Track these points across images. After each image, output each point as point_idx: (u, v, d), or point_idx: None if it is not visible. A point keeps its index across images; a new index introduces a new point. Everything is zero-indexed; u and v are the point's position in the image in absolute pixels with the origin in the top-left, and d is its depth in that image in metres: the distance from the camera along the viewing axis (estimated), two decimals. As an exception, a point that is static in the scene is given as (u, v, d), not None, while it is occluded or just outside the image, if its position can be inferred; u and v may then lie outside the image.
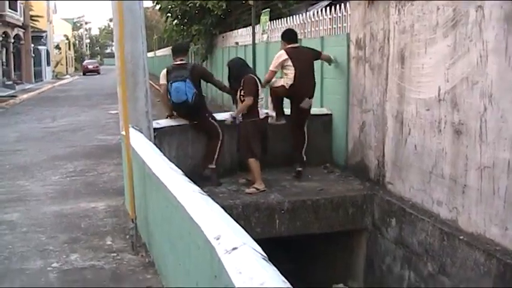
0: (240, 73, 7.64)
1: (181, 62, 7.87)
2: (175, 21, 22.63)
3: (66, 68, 69.15)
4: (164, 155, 7.54)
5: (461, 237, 5.67)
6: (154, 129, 7.32)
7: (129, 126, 6.50)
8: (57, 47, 65.38)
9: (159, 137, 7.48)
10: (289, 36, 8.24)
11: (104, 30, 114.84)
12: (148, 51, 57.38)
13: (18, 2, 38.43)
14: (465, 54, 5.68)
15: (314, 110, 9.09)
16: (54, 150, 11.69)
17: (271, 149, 8.04)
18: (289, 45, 8.09)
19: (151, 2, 24.71)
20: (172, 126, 7.90)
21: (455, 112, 5.86)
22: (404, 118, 6.90)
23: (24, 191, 8.16)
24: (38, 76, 46.23)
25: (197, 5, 18.72)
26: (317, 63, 9.13)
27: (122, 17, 5.64)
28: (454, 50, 5.85)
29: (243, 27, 16.69)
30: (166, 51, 37.27)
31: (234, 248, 2.50)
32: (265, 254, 2.49)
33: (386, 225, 7.11)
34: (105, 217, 6.71)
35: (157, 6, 23.71)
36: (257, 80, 7.61)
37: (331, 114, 9.03)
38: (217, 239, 2.68)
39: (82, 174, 9.27)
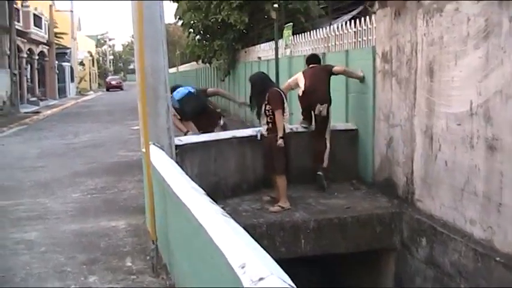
0: (264, 87, 7.46)
1: None
2: (198, 36, 22.60)
3: (90, 84, 69.74)
4: (186, 172, 7.46)
5: (498, 258, 5.39)
6: (176, 146, 7.15)
7: (150, 143, 6.37)
8: (81, 63, 66.03)
9: (181, 154, 7.31)
10: (309, 59, 8.97)
11: (127, 47, 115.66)
12: (171, 66, 57.76)
13: (43, 19, 38.88)
14: (498, 66, 5.43)
15: (339, 125, 8.94)
16: (75, 167, 11.59)
17: (297, 164, 7.87)
18: (308, 67, 8.75)
19: (173, 17, 24.64)
20: (194, 143, 7.73)
21: (489, 127, 5.60)
22: (434, 133, 6.65)
23: (44, 208, 8.04)
24: (62, 92, 46.63)
25: (219, 19, 18.63)
26: (341, 79, 8.97)
27: (141, 27, 5.50)
28: (487, 62, 5.60)
29: (266, 41, 16.56)
30: (188, 66, 37.39)
31: (261, 279, 2.29)
32: (294, 285, 2.28)
33: (416, 244, 6.84)
34: (125, 236, 6.54)
35: (180, 22, 23.67)
36: (282, 93, 7.45)
37: (356, 130, 8.81)
38: (243, 267, 2.48)
39: (102, 191, 9.14)
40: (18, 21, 31.62)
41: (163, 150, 6.71)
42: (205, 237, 3.29)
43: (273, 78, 13.58)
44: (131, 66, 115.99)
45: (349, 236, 7.12)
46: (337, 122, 9.28)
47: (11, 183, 9.96)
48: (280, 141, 7.23)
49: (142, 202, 7.26)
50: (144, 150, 6.29)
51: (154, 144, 6.68)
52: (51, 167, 11.73)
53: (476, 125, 5.81)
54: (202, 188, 7.16)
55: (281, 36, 13.83)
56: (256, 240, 6.65)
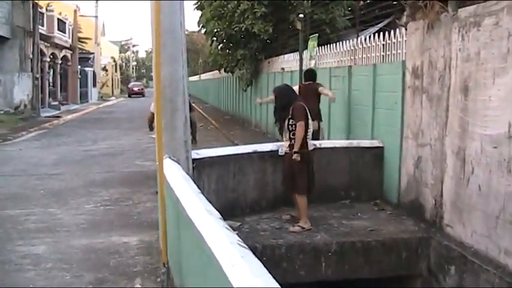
0: (289, 101, 7.12)
1: None
2: (221, 45, 22.33)
3: (112, 90, 69.96)
4: (203, 188, 7.15)
5: (536, 294, 4.97)
6: (193, 159, 6.84)
7: (166, 157, 6.07)
8: (104, 68, 66.30)
9: (198, 169, 7.00)
10: (305, 74, 10.41)
11: (151, 53, 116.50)
12: (194, 74, 57.82)
13: (67, 24, 38.99)
14: (542, 87, 5.03)
15: (364, 142, 8.61)
16: (91, 176, 11.37)
17: (318, 182, 7.50)
18: (305, 83, 10.03)
19: (197, 25, 24.45)
20: (212, 157, 7.40)
21: (529, 151, 5.20)
22: (467, 155, 6.24)
23: (55, 220, 7.79)
24: (84, 97, 46.70)
25: (243, 29, 18.29)
26: (369, 93, 8.73)
27: (158, 35, 5.21)
28: (529, 82, 5.21)
29: (290, 52, 16.20)
30: (210, 75, 37.24)
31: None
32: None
33: (444, 272, 6.43)
34: (137, 254, 6.23)
35: (203, 30, 23.42)
36: (307, 109, 7.10)
37: (382, 147, 8.44)
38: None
39: (117, 203, 8.88)
40: (42, 25, 31.66)
41: (179, 164, 6.40)
42: (219, 272, 2.95)
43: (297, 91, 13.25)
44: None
45: (372, 260, 6.73)
46: (363, 138, 8.94)
47: (24, 191, 9.74)
48: (295, 156, 6.90)
49: (157, 216, 6.94)
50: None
51: (170, 157, 6.38)
52: (66, 175, 11.53)
53: (515, 149, 5.41)
54: (219, 204, 6.89)
55: (306, 47, 13.49)
56: (274, 262, 6.30)
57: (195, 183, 6.37)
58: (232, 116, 26.50)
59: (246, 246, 3.34)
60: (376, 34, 9.36)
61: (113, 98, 61.21)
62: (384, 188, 8.41)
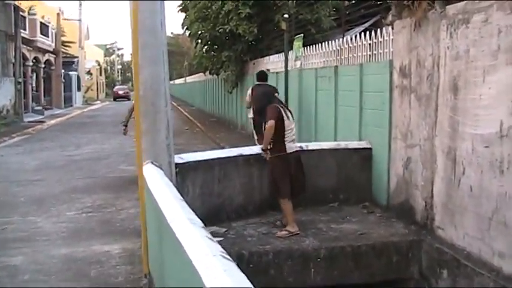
0: (265, 104, 7.08)
1: None
2: (205, 47, 22.08)
3: (97, 94, 69.46)
4: (187, 193, 6.95)
5: (532, 299, 4.82)
6: (177, 164, 6.63)
7: (147, 162, 5.87)
8: (89, 72, 65.83)
9: (182, 174, 6.81)
10: (257, 76, 11.65)
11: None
12: (180, 77, 57.52)
13: (50, 27, 38.59)
14: (534, 84, 4.88)
15: (352, 144, 8.46)
16: (73, 181, 11.14)
17: (308, 186, 7.35)
18: (257, 84, 11.13)
19: (181, 28, 24.23)
20: (195, 161, 7.19)
21: (522, 151, 5.05)
22: (458, 155, 6.09)
23: (35, 228, 7.55)
24: (68, 101, 46.26)
25: (227, 30, 18.07)
26: (355, 93, 8.60)
27: (136, 36, 5.00)
28: (521, 79, 5.05)
29: (275, 53, 16.01)
30: (197, 77, 36.91)
31: None
32: None
33: (436, 276, 6.27)
34: (119, 264, 6.02)
35: (187, 32, 23.16)
36: (281, 109, 6.94)
37: (371, 149, 8.28)
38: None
39: (99, 209, 8.65)
40: (25, 29, 31.27)
41: (161, 169, 6.18)
42: (200, 284, 2.75)
43: (282, 92, 13.07)
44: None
45: (363, 265, 6.54)
46: (350, 140, 8.77)
47: (4, 199, 9.51)
48: (263, 153, 6.99)
49: (140, 223, 6.74)
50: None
51: (152, 163, 6.16)
52: (48, 180, 11.28)
53: (508, 148, 5.25)
54: (204, 210, 6.69)
55: (291, 48, 13.31)
56: (262, 269, 6.09)
57: (177, 189, 6.19)
58: (218, 118, 26.27)
59: (230, 258, 3.14)
60: (363, 33, 9.20)
61: (98, 102, 60.77)
62: (373, 190, 8.24)
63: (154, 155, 6.25)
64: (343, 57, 9.92)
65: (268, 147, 6.91)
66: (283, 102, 8.65)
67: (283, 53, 13.46)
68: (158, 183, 5.21)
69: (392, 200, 7.74)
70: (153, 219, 4.83)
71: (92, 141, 19.27)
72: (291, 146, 6.98)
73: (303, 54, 12.39)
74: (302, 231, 6.90)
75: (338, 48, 10.20)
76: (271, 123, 6.76)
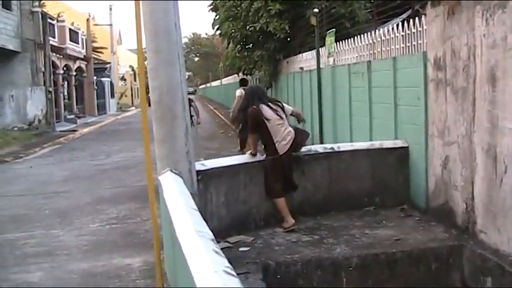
0: (246, 105, 7.26)
1: None
2: (237, 47, 22.03)
3: (132, 100, 70.14)
4: (211, 201, 6.87)
5: None
6: (199, 171, 6.55)
7: (166, 170, 5.84)
8: (122, 78, 66.59)
9: (205, 181, 6.72)
10: (240, 82, 15.80)
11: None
12: (216, 79, 57.77)
13: (80, 34, 39.17)
14: None
15: (387, 143, 8.26)
16: (100, 192, 11.20)
17: (339, 189, 7.36)
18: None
19: (212, 28, 24.27)
20: (219, 167, 7.08)
21: None
22: (499, 152, 5.83)
23: (56, 242, 7.58)
24: (102, 109, 46.91)
25: (258, 28, 17.99)
26: (389, 89, 8.41)
27: (140, 36, 4.93)
28: (563, 67, 4.79)
29: (308, 50, 15.83)
30: (232, 78, 36.92)
31: None
32: None
33: (479, 285, 6.01)
34: (138, 277, 5.96)
35: (218, 32, 23.16)
36: (260, 112, 7.06)
37: (407, 147, 8.04)
38: None
39: (124, 220, 8.65)
40: (54, 37, 31.82)
41: (181, 177, 6.11)
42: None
43: (315, 91, 12.92)
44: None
45: (399, 274, 6.31)
46: (386, 139, 8.56)
47: (28, 212, 9.59)
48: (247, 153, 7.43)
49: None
50: (159, 177, 5.79)
51: (172, 171, 6.12)
52: (75, 192, 11.37)
53: (551, 143, 4.99)
54: (230, 218, 6.60)
55: (323, 44, 13.14)
56: (290, 280, 5.94)
57: (199, 197, 6.12)
58: (254, 120, 26.16)
59: (234, 274, 3.02)
60: (401, 25, 8.94)
61: (133, 108, 61.38)
62: (411, 192, 8.01)
63: (174, 162, 6.20)
64: (376, 51, 9.72)
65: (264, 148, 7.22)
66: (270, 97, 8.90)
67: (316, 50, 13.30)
68: (173, 193, 5.13)
69: (431, 202, 7.50)
70: (167, 230, 4.74)
71: (124, 149, 19.41)
72: (283, 147, 7.07)
73: (336, 50, 12.21)
74: (334, 238, 6.73)
75: (371, 41, 9.99)
76: (251, 138, 7.31)
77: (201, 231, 3.80)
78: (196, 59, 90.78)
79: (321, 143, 12.24)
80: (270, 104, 7.17)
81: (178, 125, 6.23)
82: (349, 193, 7.90)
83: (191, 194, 6.12)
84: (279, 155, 7.03)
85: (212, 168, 6.99)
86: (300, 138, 7.26)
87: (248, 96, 7.41)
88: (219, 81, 54.40)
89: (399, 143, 8.20)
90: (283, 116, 7.15)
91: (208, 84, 69.55)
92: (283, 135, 7.04)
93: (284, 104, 7.42)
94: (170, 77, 6.13)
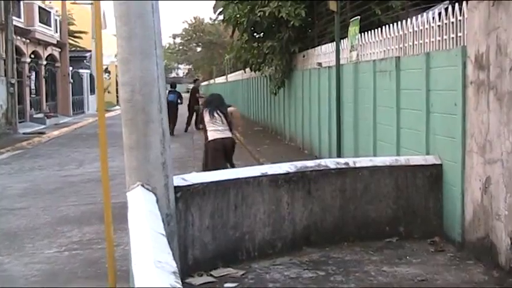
0: (204, 107, 12.20)
1: None
2: (244, 36, 21.94)
3: (117, 97, 70.32)
4: (192, 224, 6.87)
5: None
6: (177, 187, 6.55)
7: (137, 185, 5.85)
8: (106, 70, 66.78)
9: (185, 199, 6.78)
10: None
11: (168, 49, 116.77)
12: (221, 74, 57.79)
13: (53, 14, 39.28)
14: None
15: (415, 159, 8.23)
16: (64, 209, 11.26)
17: (356, 215, 7.67)
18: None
19: (212, 12, 24.32)
20: (204, 183, 7.08)
21: None
22: (550, 174, 5.79)
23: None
24: (79, 107, 47.15)
25: (267, 13, 17.88)
26: (419, 92, 8.39)
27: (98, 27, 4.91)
28: None
29: (330, 42, 15.75)
30: (239, 75, 36.79)
31: None
32: None
33: None
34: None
35: (221, 17, 23.18)
36: (206, 112, 11.62)
37: (440, 165, 8.01)
38: None
39: (88, 246, 8.67)
40: (19, 16, 31.92)
41: (155, 194, 6.10)
42: None
43: (334, 91, 12.88)
44: (173, 74, 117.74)
45: (422, 324, 6.30)
46: (417, 154, 8.53)
47: (-29, 233, 9.58)
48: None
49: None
50: (128, 193, 5.80)
51: (143, 185, 6.12)
52: (32, 209, 11.42)
53: None
54: (216, 246, 6.58)
55: (346, 35, 13.11)
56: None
57: (168, 220, 6.10)
58: (264, 127, 26.12)
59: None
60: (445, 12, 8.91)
61: (117, 107, 61.55)
62: (444, 221, 8.00)
63: (146, 175, 6.23)
64: (407, 44, 9.69)
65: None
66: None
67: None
68: (138, 213, 5.13)
69: (467, 234, 7.46)
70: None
71: (99, 157, 19.40)
72: (210, 136, 11.49)
73: (360, 43, 12.16)
74: (344, 275, 6.71)
75: (400, 33, 9.97)
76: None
77: (161, 261, 3.78)
78: (199, 49, 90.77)
79: (338, 156, 12.21)
80: (215, 110, 11.48)
81: (153, 129, 6.24)
82: (367, 220, 7.95)
83: (166, 215, 6.17)
84: (207, 141, 11.59)
85: (195, 184, 7.00)
86: (227, 140, 11.48)
87: (206, 100, 12.40)
88: (224, 77, 54.36)
89: (430, 160, 8.19)
90: (219, 121, 11.45)
91: (211, 81, 69.58)
92: (210, 132, 11.46)
93: (228, 116, 11.55)
94: (144, 70, 6.16)
